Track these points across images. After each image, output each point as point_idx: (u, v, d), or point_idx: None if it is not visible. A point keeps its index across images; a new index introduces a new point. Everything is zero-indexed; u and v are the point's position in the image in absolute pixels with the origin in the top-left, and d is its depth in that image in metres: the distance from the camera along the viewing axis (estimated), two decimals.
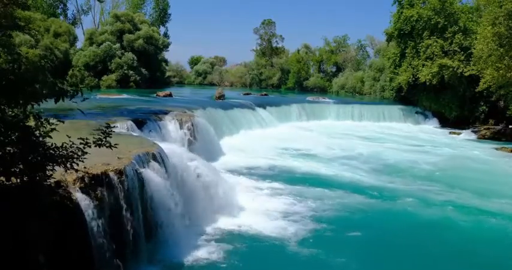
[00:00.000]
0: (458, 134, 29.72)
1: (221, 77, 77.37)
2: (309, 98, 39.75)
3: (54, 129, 5.62)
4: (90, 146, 6.01)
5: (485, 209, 12.43)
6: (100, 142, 6.10)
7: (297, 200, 12.44)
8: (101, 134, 6.14)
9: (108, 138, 6.16)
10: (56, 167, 5.82)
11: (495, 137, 27.68)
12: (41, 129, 5.58)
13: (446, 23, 32.18)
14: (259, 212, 11.23)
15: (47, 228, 5.78)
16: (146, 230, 8.18)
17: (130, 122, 14.21)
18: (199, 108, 21.83)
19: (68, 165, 5.83)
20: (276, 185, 13.99)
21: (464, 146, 24.81)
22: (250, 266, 8.49)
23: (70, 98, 5.51)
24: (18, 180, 5.58)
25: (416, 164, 18.50)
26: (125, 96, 30.95)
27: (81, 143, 5.95)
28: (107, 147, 6.13)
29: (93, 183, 6.92)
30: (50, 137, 5.63)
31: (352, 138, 25.38)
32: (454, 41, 31.61)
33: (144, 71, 48.31)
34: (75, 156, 5.86)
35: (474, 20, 31.56)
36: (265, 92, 49.38)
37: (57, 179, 6.25)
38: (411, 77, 33.87)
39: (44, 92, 5.38)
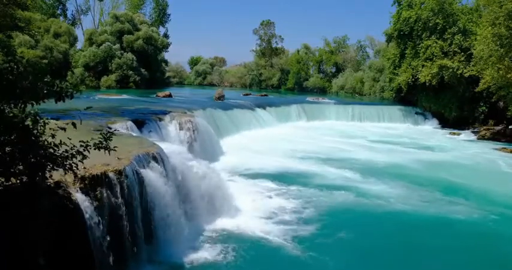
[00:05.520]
0: (458, 134, 29.72)
1: (221, 77, 77.52)
2: (309, 99, 39.79)
3: (54, 135, 5.61)
4: (89, 151, 6.00)
5: (484, 210, 12.41)
6: (100, 145, 6.08)
7: (297, 201, 12.42)
8: (102, 137, 6.12)
9: (108, 142, 6.14)
10: (56, 169, 5.80)
11: (495, 138, 27.65)
12: (40, 129, 5.56)
13: (445, 24, 32.20)
14: (258, 212, 11.22)
15: (47, 229, 5.76)
16: (146, 230, 8.16)
17: (130, 123, 14.19)
18: (199, 109, 21.83)
19: (67, 166, 5.82)
20: (275, 185, 13.97)
21: (464, 146, 24.80)
22: (249, 266, 8.47)
23: (70, 98, 5.50)
24: (18, 181, 5.57)
25: (414, 165, 18.46)
26: (124, 96, 30.91)
27: (81, 146, 5.94)
28: (105, 150, 6.11)
29: (93, 183, 6.91)
30: (53, 136, 5.62)
31: (351, 139, 25.33)
32: (453, 42, 31.61)
33: (144, 72, 48.34)
34: (75, 158, 5.85)
35: (474, 20, 31.56)
36: (265, 93, 49.47)
37: (56, 180, 6.24)
38: (411, 77, 33.87)
39: (44, 91, 5.37)
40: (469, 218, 11.66)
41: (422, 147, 23.37)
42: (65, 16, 60.60)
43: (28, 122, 5.44)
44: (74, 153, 5.84)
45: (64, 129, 5.68)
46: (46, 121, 5.62)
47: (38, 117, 5.48)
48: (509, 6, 22.68)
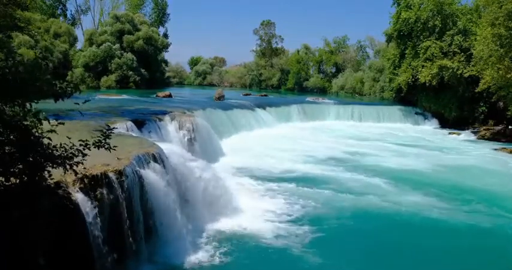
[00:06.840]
0: (458, 134, 29.71)
1: (221, 77, 77.56)
2: (309, 99, 39.79)
3: (54, 131, 5.58)
4: (90, 149, 5.99)
5: (484, 210, 12.42)
6: (99, 144, 6.07)
7: (297, 201, 12.41)
8: (101, 136, 6.12)
9: (107, 140, 6.14)
10: (56, 168, 5.80)
11: (495, 138, 27.65)
12: (39, 129, 5.55)
13: (444, 24, 32.19)
14: (258, 213, 11.22)
15: (47, 229, 5.76)
16: (146, 230, 8.16)
17: (130, 123, 14.18)
18: (199, 109, 21.82)
19: (68, 166, 5.81)
20: (276, 185, 13.96)
21: (463, 146, 24.78)
22: (249, 267, 8.47)
23: (69, 96, 5.50)
24: (18, 181, 5.57)
25: (415, 165, 18.44)
26: (124, 96, 30.92)
27: (80, 145, 5.93)
28: (105, 149, 6.11)
29: (93, 183, 6.91)
30: (50, 139, 5.60)
31: (350, 139, 25.31)
32: (453, 42, 31.61)
33: (144, 72, 48.37)
34: (75, 157, 5.83)
35: (474, 21, 31.57)
36: (265, 93, 49.49)
37: (56, 180, 6.24)
38: (411, 77, 33.89)
39: (43, 91, 5.37)
40: (494, 224, 11.36)
41: (429, 148, 23.07)
42: (65, 16, 60.70)
43: (28, 122, 5.44)
44: (74, 152, 5.83)
45: (63, 123, 5.68)
46: (51, 125, 5.61)
47: (44, 117, 5.47)
48: (509, 6, 22.69)
